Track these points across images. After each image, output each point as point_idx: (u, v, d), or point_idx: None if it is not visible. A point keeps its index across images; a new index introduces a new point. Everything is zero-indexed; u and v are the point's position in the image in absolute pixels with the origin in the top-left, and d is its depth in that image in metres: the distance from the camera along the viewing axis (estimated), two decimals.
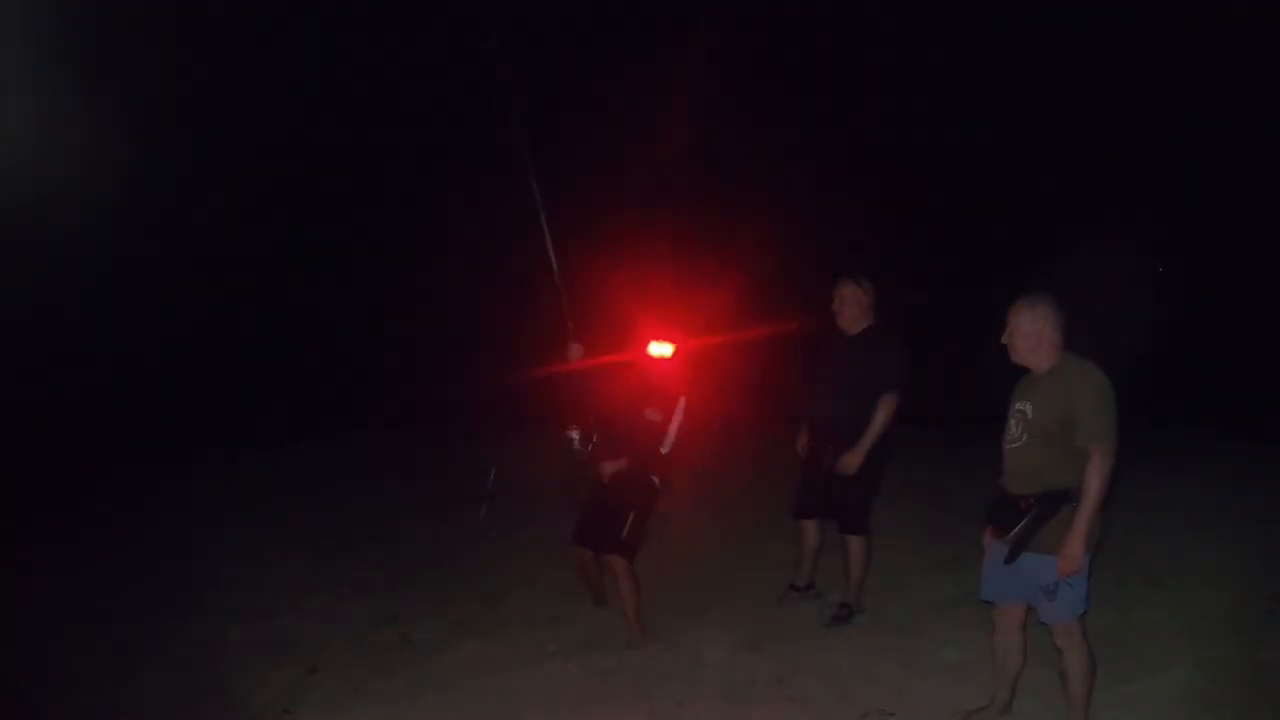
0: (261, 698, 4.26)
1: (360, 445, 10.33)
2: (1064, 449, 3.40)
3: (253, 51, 13.06)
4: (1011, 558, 3.51)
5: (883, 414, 4.74)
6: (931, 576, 5.66)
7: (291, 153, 14.43)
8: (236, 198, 13.92)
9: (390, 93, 15.27)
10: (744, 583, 5.44)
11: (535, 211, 4.84)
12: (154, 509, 7.71)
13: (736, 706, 4.06)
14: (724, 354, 5.24)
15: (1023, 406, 3.57)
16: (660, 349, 4.82)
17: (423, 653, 4.70)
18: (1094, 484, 3.32)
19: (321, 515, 7.48)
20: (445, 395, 12.15)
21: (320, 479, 8.80)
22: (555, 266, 4.88)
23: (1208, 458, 7.83)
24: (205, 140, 13.21)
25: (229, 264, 14.26)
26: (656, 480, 4.79)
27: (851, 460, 4.76)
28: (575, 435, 4.78)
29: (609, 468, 4.75)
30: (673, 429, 4.72)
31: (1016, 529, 3.47)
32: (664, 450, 4.71)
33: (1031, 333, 3.54)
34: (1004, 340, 3.62)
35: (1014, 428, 3.58)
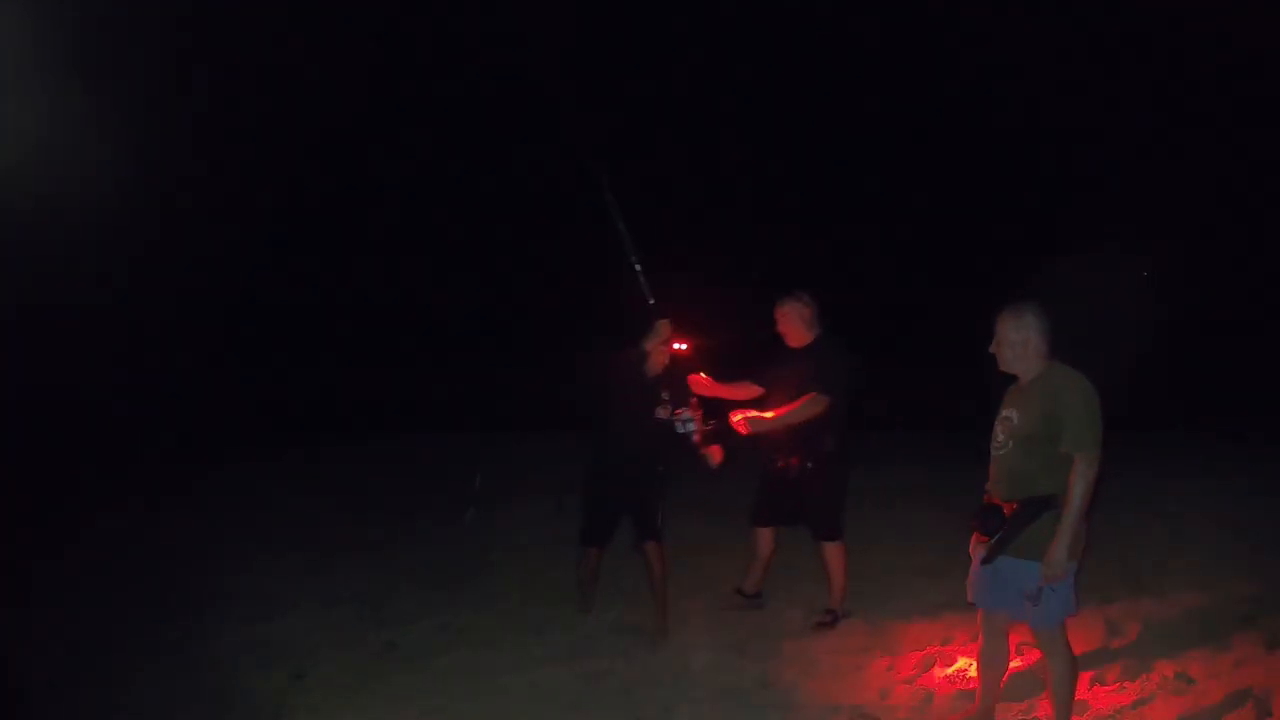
0: (248, 704, 4.26)
1: (354, 448, 10.33)
2: (1049, 456, 3.41)
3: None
4: (989, 559, 3.53)
5: (803, 407, 4.76)
6: (919, 580, 5.67)
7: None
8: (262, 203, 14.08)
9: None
10: (730, 586, 5.43)
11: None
12: (139, 512, 7.69)
13: (723, 710, 4.07)
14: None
15: (1009, 413, 3.59)
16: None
17: (410, 659, 4.69)
18: (1078, 492, 3.33)
19: (309, 520, 7.47)
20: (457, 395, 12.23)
21: (310, 483, 8.80)
22: (631, 249, 4.76)
23: (1190, 459, 7.82)
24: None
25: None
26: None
27: (750, 419, 4.80)
28: (688, 418, 4.77)
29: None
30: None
31: (998, 534, 3.48)
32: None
33: (1017, 341, 3.55)
34: (991, 349, 3.63)
35: (1000, 434, 3.60)
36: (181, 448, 9.80)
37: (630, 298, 4.86)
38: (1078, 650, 3.59)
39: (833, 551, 4.99)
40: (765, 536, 5.23)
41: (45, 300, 10.98)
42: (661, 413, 4.78)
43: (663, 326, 4.77)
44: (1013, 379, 3.66)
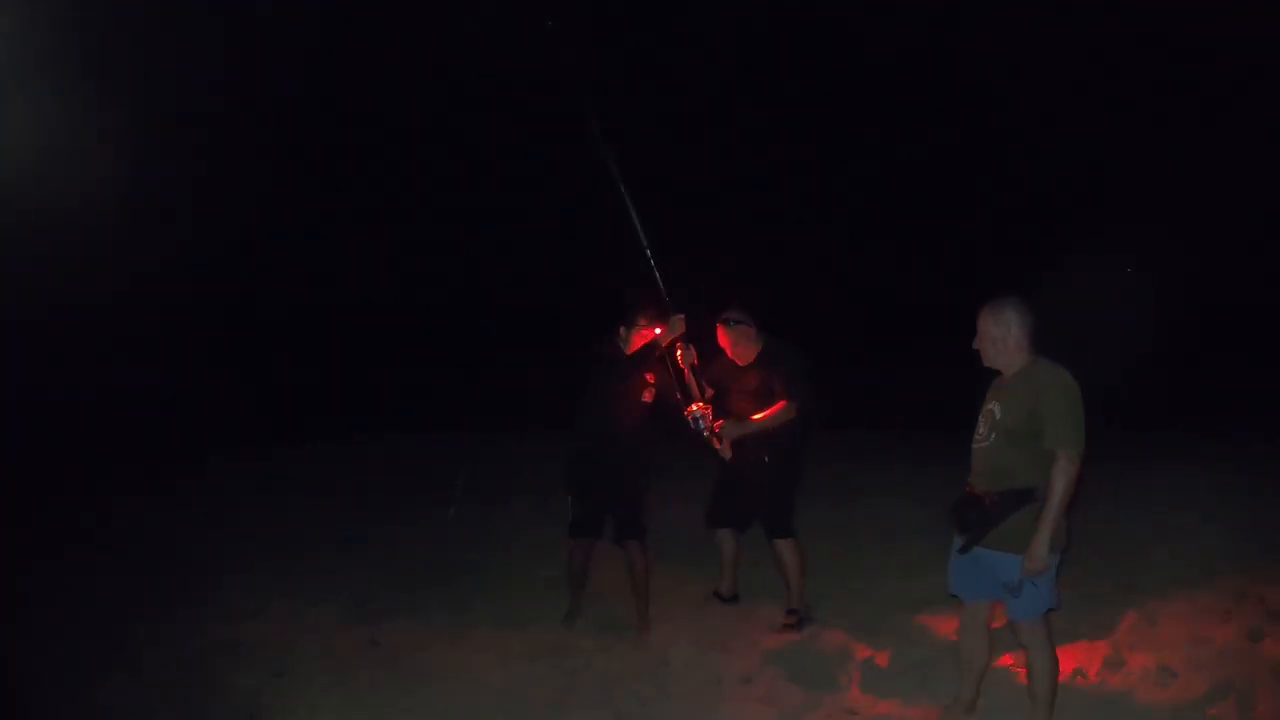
0: (227, 701, 4.24)
1: (340, 448, 10.31)
2: (1030, 450, 3.40)
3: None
4: (965, 548, 3.52)
5: (778, 415, 4.76)
6: (900, 576, 5.66)
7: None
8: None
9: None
10: (711, 584, 5.41)
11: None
12: (122, 512, 7.69)
13: (703, 707, 4.05)
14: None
15: (992, 406, 3.59)
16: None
17: (390, 655, 4.67)
18: (1060, 486, 3.32)
19: (290, 518, 7.45)
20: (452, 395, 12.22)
21: (292, 482, 8.78)
22: (645, 241, 4.73)
23: (1176, 456, 7.77)
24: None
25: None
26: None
27: (726, 427, 4.79)
28: (699, 415, 4.76)
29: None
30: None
31: (976, 525, 3.47)
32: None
33: (998, 336, 3.54)
34: (974, 345, 3.61)
35: (982, 426, 3.60)
36: (171, 447, 9.80)
37: (641, 291, 4.85)
38: (1059, 643, 3.55)
39: (785, 548, 4.94)
40: (726, 538, 5.21)
41: (45, 300, 11.02)
42: (685, 408, 4.77)
43: (678, 321, 4.77)
44: (998, 374, 3.64)
